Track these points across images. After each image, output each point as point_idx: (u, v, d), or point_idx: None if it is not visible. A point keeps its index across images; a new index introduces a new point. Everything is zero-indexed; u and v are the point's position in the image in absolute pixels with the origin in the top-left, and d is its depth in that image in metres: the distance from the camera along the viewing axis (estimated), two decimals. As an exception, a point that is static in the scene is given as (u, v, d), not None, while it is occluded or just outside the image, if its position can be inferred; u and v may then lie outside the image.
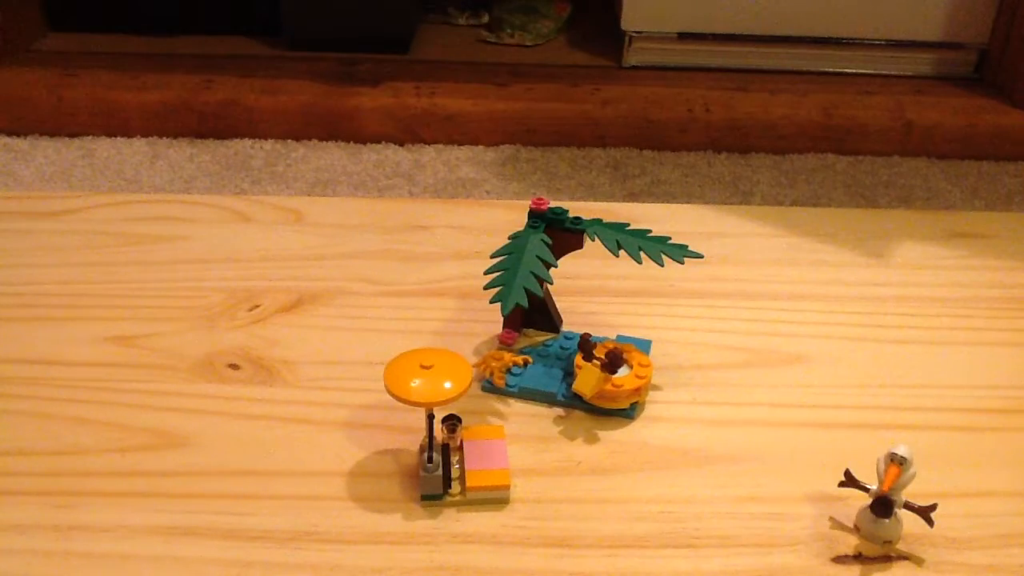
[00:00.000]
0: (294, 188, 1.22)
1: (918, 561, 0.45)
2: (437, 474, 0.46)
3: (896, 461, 0.44)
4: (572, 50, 1.55)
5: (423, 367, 0.45)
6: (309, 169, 1.26)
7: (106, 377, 0.56)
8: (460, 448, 0.49)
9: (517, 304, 0.52)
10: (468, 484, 0.47)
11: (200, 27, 1.52)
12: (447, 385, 0.44)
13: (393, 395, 0.44)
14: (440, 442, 0.48)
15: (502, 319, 0.58)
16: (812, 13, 1.43)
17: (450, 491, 0.47)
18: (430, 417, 0.46)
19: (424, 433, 0.47)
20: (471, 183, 1.25)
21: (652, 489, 0.49)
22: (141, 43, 1.49)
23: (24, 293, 0.63)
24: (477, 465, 0.48)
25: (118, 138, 1.32)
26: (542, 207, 0.56)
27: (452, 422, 0.48)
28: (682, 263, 0.55)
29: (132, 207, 0.74)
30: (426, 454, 0.46)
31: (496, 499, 0.47)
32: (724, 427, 0.53)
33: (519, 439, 0.52)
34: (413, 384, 0.44)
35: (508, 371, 0.55)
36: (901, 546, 0.45)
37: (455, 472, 0.48)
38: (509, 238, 0.55)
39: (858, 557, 0.45)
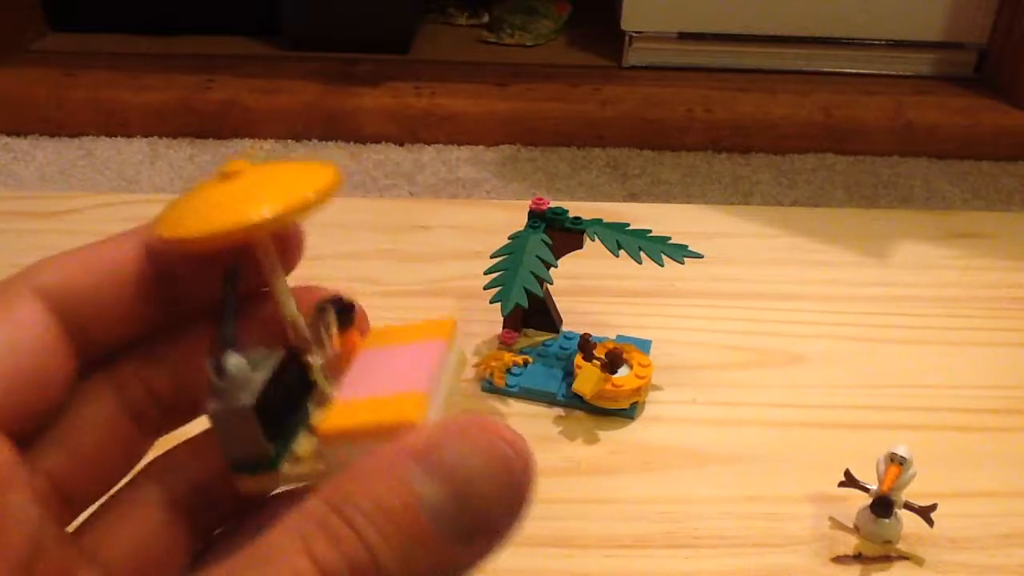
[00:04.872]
0: (294, 188, 1.22)
1: (918, 561, 0.45)
2: (243, 405, 0.20)
3: (896, 461, 0.44)
4: (572, 50, 1.56)
5: (225, 176, 0.22)
6: (309, 169, 1.26)
7: (106, 377, 0.56)
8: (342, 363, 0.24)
9: (517, 304, 0.52)
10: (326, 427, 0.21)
11: (200, 27, 1.52)
12: (265, 201, 0.21)
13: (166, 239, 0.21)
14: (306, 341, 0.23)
15: (502, 319, 0.58)
16: (812, 13, 1.43)
17: (292, 450, 0.22)
18: (229, 273, 0.22)
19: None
20: (471, 183, 1.25)
21: (652, 489, 0.49)
22: (141, 43, 1.49)
23: (24, 293, 0.63)
24: (363, 390, 0.22)
25: (118, 138, 1.32)
26: (542, 207, 0.56)
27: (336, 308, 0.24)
28: (682, 263, 0.55)
29: (132, 207, 0.74)
30: (213, 359, 0.20)
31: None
32: (724, 427, 0.53)
33: (519, 439, 0.51)
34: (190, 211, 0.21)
35: (508, 371, 0.54)
36: (901, 546, 0.45)
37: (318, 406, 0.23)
38: (509, 238, 0.55)
39: (858, 557, 0.45)
